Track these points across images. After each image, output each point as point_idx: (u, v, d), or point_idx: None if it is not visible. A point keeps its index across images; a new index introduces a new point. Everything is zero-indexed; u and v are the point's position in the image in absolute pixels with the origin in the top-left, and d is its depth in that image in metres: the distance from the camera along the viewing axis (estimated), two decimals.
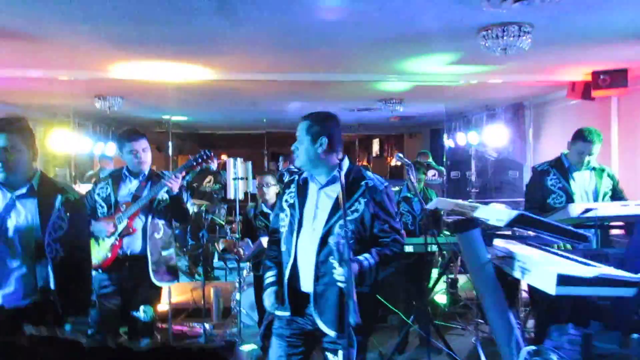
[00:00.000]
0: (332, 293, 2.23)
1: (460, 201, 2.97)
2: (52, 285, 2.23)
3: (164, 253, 3.27)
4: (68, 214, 2.28)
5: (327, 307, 2.25)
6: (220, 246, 4.41)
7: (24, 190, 2.25)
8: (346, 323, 2.07)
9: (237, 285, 4.31)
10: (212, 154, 3.36)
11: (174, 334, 4.16)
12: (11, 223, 2.20)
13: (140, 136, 3.36)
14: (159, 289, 3.30)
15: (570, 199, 3.52)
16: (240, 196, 4.68)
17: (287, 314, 2.36)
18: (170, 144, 8.53)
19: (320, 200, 2.35)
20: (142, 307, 3.09)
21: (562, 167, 3.64)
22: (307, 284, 2.32)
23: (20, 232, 2.20)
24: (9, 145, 2.18)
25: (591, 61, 5.02)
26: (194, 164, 3.34)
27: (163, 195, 3.25)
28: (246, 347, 3.55)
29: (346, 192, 2.24)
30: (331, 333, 2.25)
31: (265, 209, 4.17)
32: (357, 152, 15.50)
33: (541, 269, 2.22)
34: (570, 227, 2.45)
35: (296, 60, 4.90)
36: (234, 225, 5.43)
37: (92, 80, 5.63)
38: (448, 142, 8.42)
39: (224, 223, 6.60)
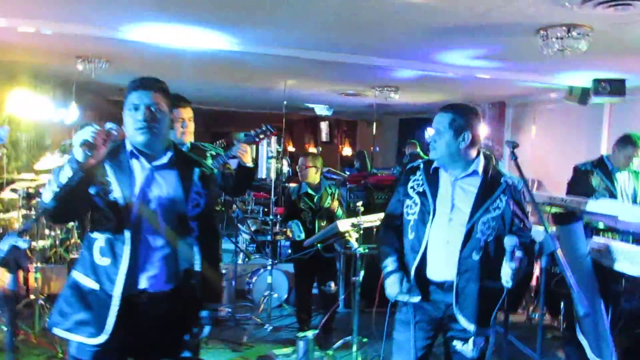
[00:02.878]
0: (472, 289, 2.25)
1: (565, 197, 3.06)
2: (197, 267, 2.01)
3: None
4: (204, 189, 2.06)
5: (468, 302, 2.25)
6: (252, 227, 4.22)
7: (164, 160, 1.99)
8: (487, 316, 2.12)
9: (268, 267, 4.16)
10: (274, 129, 3.19)
11: None
12: (152, 196, 1.94)
13: (188, 103, 3.10)
14: None
15: (613, 198, 3.75)
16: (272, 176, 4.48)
17: (418, 299, 2.32)
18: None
19: (457, 193, 2.33)
20: None
21: (605, 168, 3.87)
22: (437, 273, 2.31)
23: (163, 208, 1.94)
24: (155, 104, 1.92)
25: (591, 69, 5.36)
26: (256, 139, 3.15)
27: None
28: (309, 333, 3.44)
29: (488, 188, 2.30)
30: (471, 327, 2.26)
31: (310, 191, 4.07)
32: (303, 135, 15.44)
33: None
34: None
35: (325, 39, 4.76)
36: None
37: (76, 40, 5.12)
38: (429, 133, 8.61)
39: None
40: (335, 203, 4.13)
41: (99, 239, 1.89)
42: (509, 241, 2.07)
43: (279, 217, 4.41)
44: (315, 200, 4.06)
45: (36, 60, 6.53)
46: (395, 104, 9.12)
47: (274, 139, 4.60)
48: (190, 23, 4.37)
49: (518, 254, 2.18)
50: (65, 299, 1.95)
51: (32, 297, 3.87)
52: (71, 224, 4.69)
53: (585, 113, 6.33)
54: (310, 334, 3.43)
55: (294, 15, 3.98)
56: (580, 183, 3.89)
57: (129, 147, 1.95)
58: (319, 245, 3.50)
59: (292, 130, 16.51)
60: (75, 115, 7.41)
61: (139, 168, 1.96)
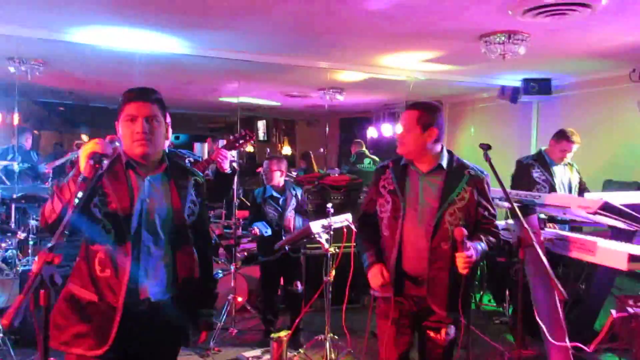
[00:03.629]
0: (443, 277, 2.37)
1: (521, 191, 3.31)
2: (195, 275, 2.03)
3: None
4: (199, 198, 2.09)
5: (439, 290, 2.37)
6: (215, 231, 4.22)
7: (160, 170, 1.98)
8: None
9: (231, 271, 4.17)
10: (253, 135, 3.21)
11: None
12: (150, 206, 1.93)
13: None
14: None
15: (552, 190, 4.11)
16: None
17: (389, 295, 2.42)
18: None
19: (424, 188, 2.44)
20: None
21: (544, 162, 4.22)
22: (413, 267, 2.41)
23: (160, 217, 1.94)
24: (153, 115, 1.91)
25: (521, 70, 5.82)
26: (235, 144, 3.17)
27: None
28: (282, 334, 3.50)
29: (452, 181, 2.42)
30: (442, 313, 2.39)
31: (275, 193, 4.12)
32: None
33: (610, 249, 2.66)
34: None
35: (278, 43, 4.83)
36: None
37: (9, 41, 4.86)
38: (371, 132, 8.89)
39: None
40: (296, 202, 4.20)
41: (99, 251, 1.87)
42: (458, 232, 2.20)
43: (242, 220, 4.43)
44: (280, 202, 4.12)
45: None
46: (336, 103, 9.34)
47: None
48: (143, 26, 4.29)
49: (479, 244, 2.34)
50: (61, 312, 1.90)
51: None
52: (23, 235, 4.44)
53: (516, 110, 6.83)
54: (283, 334, 3.49)
55: (252, 20, 4.02)
56: (523, 176, 4.22)
57: (124, 158, 1.93)
58: (286, 247, 3.58)
59: (232, 130, 16.33)
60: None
61: (136, 178, 1.93)
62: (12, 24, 4.35)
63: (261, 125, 16.26)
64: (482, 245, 2.38)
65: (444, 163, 2.44)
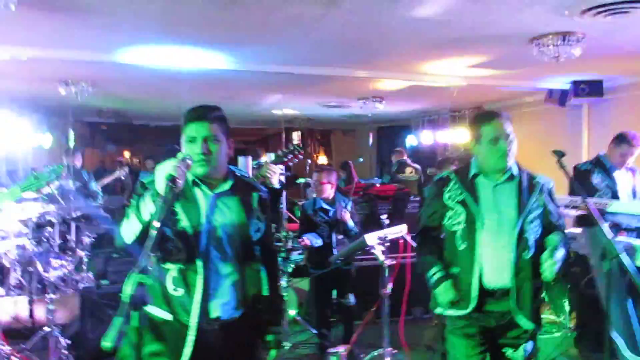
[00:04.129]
0: (528, 288, 2.32)
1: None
2: (264, 292, 2.02)
3: None
4: (263, 214, 2.07)
5: (526, 302, 2.31)
6: None
7: (226, 187, 1.98)
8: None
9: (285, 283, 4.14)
10: (301, 149, 3.20)
11: None
12: (218, 224, 1.93)
13: None
14: None
15: (615, 196, 3.93)
16: None
17: (466, 311, 2.34)
18: None
19: (499, 198, 2.38)
20: None
21: (604, 167, 4.05)
22: (494, 280, 2.33)
23: (228, 234, 1.94)
24: (212, 135, 1.92)
25: (570, 72, 5.63)
26: (284, 159, 3.16)
27: None
28: (340, 349, 3.44)
29: (526, 189, 2.38)
30: (530, 326, 2.32)
31: (325, 205, 4.10)
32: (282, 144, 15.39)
33: None
34: None
35: (320, 55, 4.83)
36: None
37: (61, 64, 5.03)
38: (410, 140, 8.79)
39: None
40: (347, 215, 4.16)
41: (172, 270, 1.87)
42: (555, 238, 2.14)
43: (291, 233, 4.41)
44: (330, 214, 4.09)
45: (16, 86, 6.35)
46: (373, 112, 9.30)
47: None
48: (190, 44, 4.36)
49: (562, 250, 2.27)
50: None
51: (46, 328, 3.74)
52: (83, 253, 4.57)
53: (565, 115, 6.61)
54: (342, 349, 3.44)
55: (296, 34, 4.03)
56: (582, 183, 4.06)
57: (190, 176, 1.94)
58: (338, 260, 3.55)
59: (268, 144, 16.48)
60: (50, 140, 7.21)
61: (202, 196, 1.95)
62: (63, 47, 4.50)
63: (296, 136, 16.35)
64: (562, 253, 2.30)
65: (515, 172, 2.40)
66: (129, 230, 1.75)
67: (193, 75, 5.46)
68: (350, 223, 4.09)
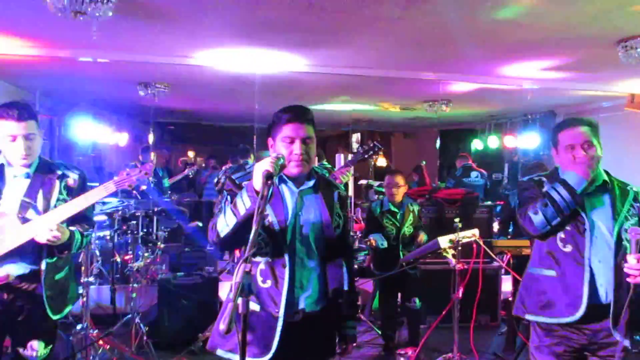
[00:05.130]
0: (624, 299, 2.14)
1: None
2: (345, 287, 2.07)
3: None
4: (343, 211, 2.12)
5: (620, 314, 2.16)
6: None
7: (310, 185, 2.05)
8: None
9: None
10: (382, 147, 3.22)
11: None
12: (303, 220, 2.00)
13: None
14: None
15: None
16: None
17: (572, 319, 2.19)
18: None
19: (593, 204, 2.27)
20: None
21: None
22: (602, 290, 2.20)
23: (312, 230, 2.00)
24: (308, 136, 1.98)
25: None
26: (364, 156, 3.19)
27: None
28: (408, 351, 3.44)
29: (620, 197, 2.29)
30: (627, 344, 2.16)
31: (393, 208, 4.10)
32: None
33: None
34: None
35: (393, 57, 4.83)
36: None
37: (139, 67, 5.30)
38: (476, 145, 8.59)
39: None
40: (414, 218, 4.14)
41: (260, 263, 1.95)
42: (634, 231, 2.02)
43: (358, 233, 4.45)
44: (398, 217, 4.09)
45: (97, 88, 6.76)
46: (434, 116, 9.15)
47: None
48: (265, 47, 4.48)
49: None
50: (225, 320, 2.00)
51: (128, 315, 3.97)
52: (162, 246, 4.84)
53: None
54: (410, 351, 3.43)
55: (371, 36, 4.05)
56: None
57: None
58: (403, 263, 3.55)
59: (325, 145, 16.60)
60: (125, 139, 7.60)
61: (288, 193, 2.02)
62: (144, 51, 4.75)
63: (355, 137, 16.38)
64: None
65: (606, 179, 2.32)
66: (223, 225, 1.84)
67: (263, 78, 5.61)
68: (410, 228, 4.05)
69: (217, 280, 4.56)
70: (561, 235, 2.26)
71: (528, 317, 2.34)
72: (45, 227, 2.19)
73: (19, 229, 2.23)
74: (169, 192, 7.22)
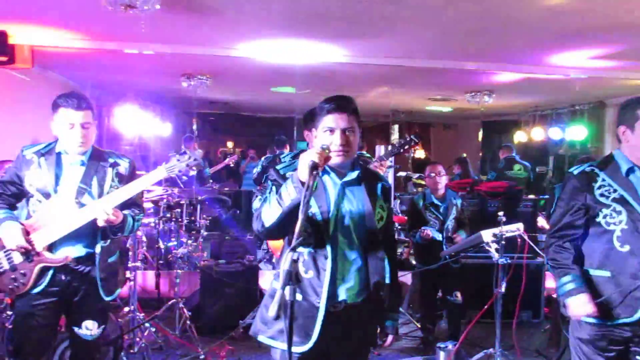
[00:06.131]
0: None
1: None
2: (387, 280, 2.06)
3: None
4: (386, 203, 2.11)
5: None
6: None
7: (353, 176, 2.04)
8: None
9: None
10: (418, 139, 3.18)
11: None
12: (345, 211, 2.00)
13: None
14: None
15: None
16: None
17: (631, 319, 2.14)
18: None
19: None
20: None
21: None
22: None
23: (354, 222, 2.00)
24: (350, 127, 1.97)
25: None
26: (400, 150, 3.16)
27: None
28: (449, 344, 3.42)
29: None
30: None
31: (436, 201, 4.05)
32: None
33: None
34: None
35: (434, 47, 4.76)
36: None
37: (183, 59, 5.41)
38: (519, 136, 8.37)
39: None
40: (457, 212, 4.08)
41: (303, 253, 1.97)
42: None
43: (397, 225, 4.42)
44: (441, 210, 4.04)
45: (142, 79, 6.96)
46: (476, 107, 8.95)
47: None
48: (307, 38, 4.49)
49: None
50: (267, 307, 2.02)
51: (173, 300, 4.10)
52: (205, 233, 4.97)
53: None
54: (450, 345, 3.41)
55: (414, 26, 4.00)
56: None
57: None
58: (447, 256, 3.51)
59: (364, 137, 16.50)
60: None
61: (331, 184, 2.01)
62: (188, 43, 4.85)
63: (395, 130, 16.22)
64: None
65: None
66: (269, 215, 1.86)
67: (303, 69, 5.62)
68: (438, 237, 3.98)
69: (257, 269, 4.64)
70: (618, 234, 2.18)
71: (582, 317, 2.26)
72: (103, 210, 2.29)
73: (77, 213, 2.34)
74: (211, 181, 7.38)
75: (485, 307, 3.39)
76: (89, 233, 2.41)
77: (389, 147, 3.16)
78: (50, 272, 2.38)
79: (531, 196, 5.75)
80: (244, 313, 4.08)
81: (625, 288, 2.14)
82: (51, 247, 2.37)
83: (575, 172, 2.32)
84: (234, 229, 6.19)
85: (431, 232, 3.86)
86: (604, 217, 2.22)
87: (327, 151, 1.84)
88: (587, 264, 2.27)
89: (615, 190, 2.20)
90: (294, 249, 1.44)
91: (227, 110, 10.80)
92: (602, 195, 2.22)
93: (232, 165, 7.83)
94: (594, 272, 2.24)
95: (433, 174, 4.01)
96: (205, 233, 5.03)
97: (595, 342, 2.23)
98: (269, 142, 7.94)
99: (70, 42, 4.70)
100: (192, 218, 4.99)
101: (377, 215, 2.06)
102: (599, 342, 2.22)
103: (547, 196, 6.50)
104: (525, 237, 3.38)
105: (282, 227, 1.86)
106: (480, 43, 4.52)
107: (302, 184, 1.75)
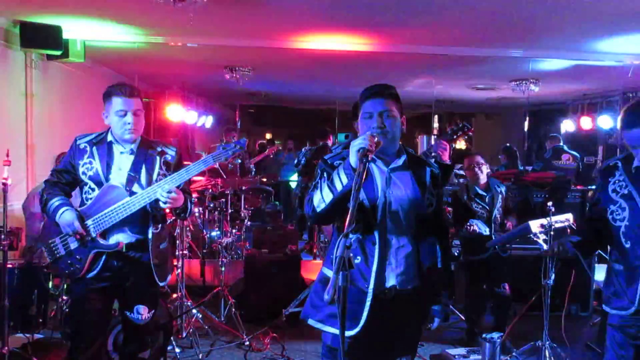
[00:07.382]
0: None
1: None
2: (439, 265, 2.06)
3: None
4: (435, 189, 2.09)
5: None
6: None
7: (400, 162, 2.04)
8: None
9: None
10: (471, 126, 3.13)
11: None
12: (393, 198, 2.00)
13: None
14: None
15: None
16: None
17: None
18: None
19: None
20: None
21: None
22: None
23: (403, 208, 2.00)
24: (387, 110, 1.98)
25: None
26: (453, 137, 3.12)
27: None
28: (494, 335, 3.38)
29: None
30: None
31: (480, 191, 3.98)
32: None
33: None
34: None
35: (476, 35, 4.65)
36: None
37: (225, 51, 5.47)
38: (567, 126, 8.08)
39: None
40: (502, 200, 4.00)
41: (351, 239, 1.98)
42: None
43: None
44: (487, 200, 3.96)
45: (185, 72, 7.10)
46: (521, 96, 8.69)
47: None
48: (349, 27, 4.47)
49: None
50: (317, 293, 2.07)
51: (219, 288, 4.20)
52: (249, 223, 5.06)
53: None
54: (496, 335, 3.35)
55: (455, 13, 3.93)
56: None
57: None
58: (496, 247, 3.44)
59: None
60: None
61: (377, 171, 2.01)
62: (232, 35, 4.91)
63: (435, 120, 15.95)
64: None
65: None
66: (320, 200, 1.88)
67: (344, 59, 5.60)
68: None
69: (299, 258, 4.69)
70: (623, 230, 2.18)
71: (604, 307, 2.33)
72: (167, 189, 2.35)
73: (128, 200, 2.42)
74: (253, 172, 7.48)
75: (533, 298, 3.32)
76: (140, 220, 2.49)
77: (443, 134, 3.13)
78: (103, 257, 2.47)
79: (580, 187, 5.55)
80: (286, 301, 4.14)
81: (631, 281, 2.17)
82: (105, 234, 2.46)
83: (603, 167, 2.38)
84: (276, 219, 6.27)
85: (477, 226, 3.80)
86: (611, 213, 2.25)
87: (377, 138, 1.84)
88: (610, 255, 2.32)
89: (626, 186, 2.19)
90: (346, 235, 1.45)
91: (267, 102, 10.90)
92: (614, 191, 2.23)
93: (272, 156, 7.91)
94: (613, 265, 2.28)
95: (472, 166, 3.95)
96: (249, 223, 5.12)
97: (625, 329, 2.24)
98: (308, 133, 7.99)
99: (120, 36, 4.85)
100: (236, 208, 5.08)
101: (427, 201, 2.05)
102: (628, 329, 2.23)
103: (595, 187, 6.27)
104: (575, 228, 3.29)
105: (333, 213, 1.89)
106: (526, 30, 4.39)
107: (354, 170, 1.77)
